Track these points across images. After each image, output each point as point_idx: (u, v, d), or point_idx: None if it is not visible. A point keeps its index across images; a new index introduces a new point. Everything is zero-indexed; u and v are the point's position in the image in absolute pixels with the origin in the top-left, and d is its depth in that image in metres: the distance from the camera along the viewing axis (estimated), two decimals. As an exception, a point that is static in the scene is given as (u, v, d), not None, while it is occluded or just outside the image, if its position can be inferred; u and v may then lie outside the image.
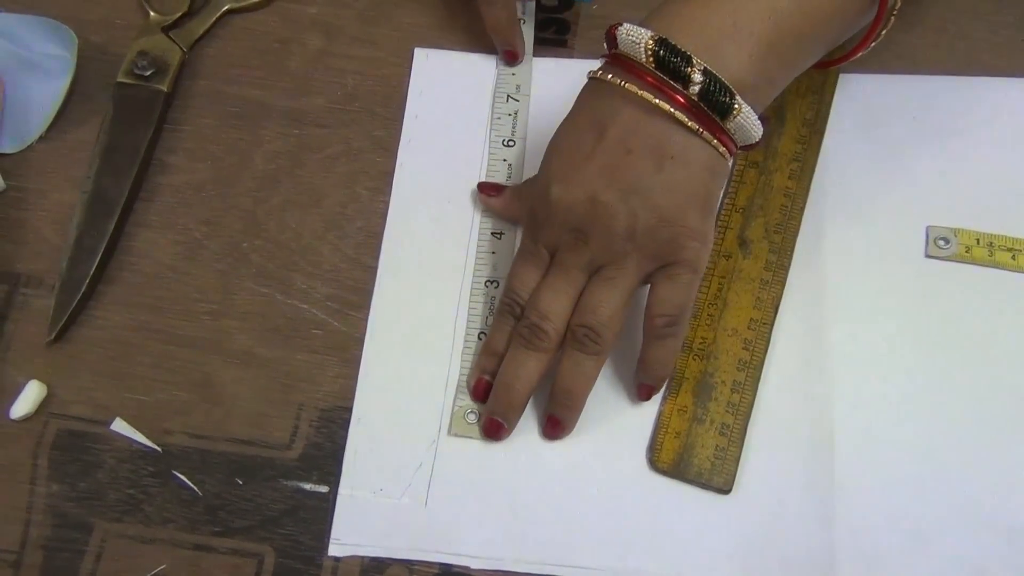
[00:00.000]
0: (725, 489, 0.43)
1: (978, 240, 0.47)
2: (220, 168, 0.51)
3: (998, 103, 0.51)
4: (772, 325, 0.45)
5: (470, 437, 0.44)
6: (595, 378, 0.43)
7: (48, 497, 0.44)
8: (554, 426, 0.44)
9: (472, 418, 0.45)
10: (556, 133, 0.43)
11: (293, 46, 0.54)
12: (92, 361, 0.46)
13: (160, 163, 0.51)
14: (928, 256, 0.47)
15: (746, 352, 0.45)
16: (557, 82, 0.50)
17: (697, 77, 0.38)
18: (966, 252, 0.47)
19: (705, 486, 0.43)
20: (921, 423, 0.44)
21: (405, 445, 0.45)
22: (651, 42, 0.38)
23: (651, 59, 0.38)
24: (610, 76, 0.40)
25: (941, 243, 0.47)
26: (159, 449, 0.45)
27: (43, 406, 0.45)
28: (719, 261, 0.47)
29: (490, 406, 0.44)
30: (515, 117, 0.51)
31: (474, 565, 0.42)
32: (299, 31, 0.54)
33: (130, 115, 0.51)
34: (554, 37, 0.53)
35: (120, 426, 0.45)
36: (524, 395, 0.43)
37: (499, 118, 0.51)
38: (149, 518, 0.43)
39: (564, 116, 0.43)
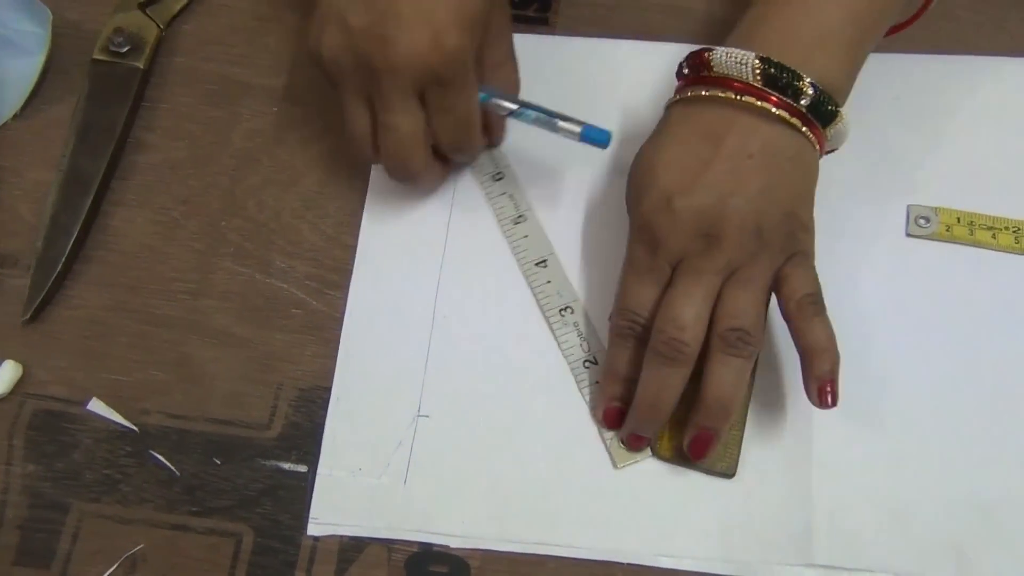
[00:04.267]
0: (729, 474, 0.44)
1: (959, 219, 0.48)
2: (198, 146, 0.52)
3: (980, 82, 0.52)
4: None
5: (636, 462, 0.44)
6: (747, 382, 0.43)
7: (24, 478, 0.44)
8: (706, 442, 0.43)
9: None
10: (650, 152, 0.44)
11: (271, 24, 0.55)
12: (68, 341, 0.47)
13: (137, 141, 0.52)
14: (909, 235, 0.48)
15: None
16: (541, 60, 0.51)
17: (808, 90, 0.42)
18: (947, 231, 0.48)
19: (709, 472, 0.44)
20: (899, 400, 0.45)
21: (384, 425, 0.45)
22: (757, 62, 0.41)
23: (759, 77, 0.42)
24: (720, 92, 0.42)
25: (922, 222, 0.48)
26: (136, 429, 0.45)
27: (18, 386, 0.46)
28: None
29: (633, 425, 0.44)
30: None
31: (454, 544, 0.43)
32: (277, 8, 0.55)
33: (106, 92, 0.52)
34: (536, 15, 0.54)
35: (97, 406, 0.45)
36: (669, 411, 0.43)
37: None
38: (126, 498, 0.44)
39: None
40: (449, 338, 0.47)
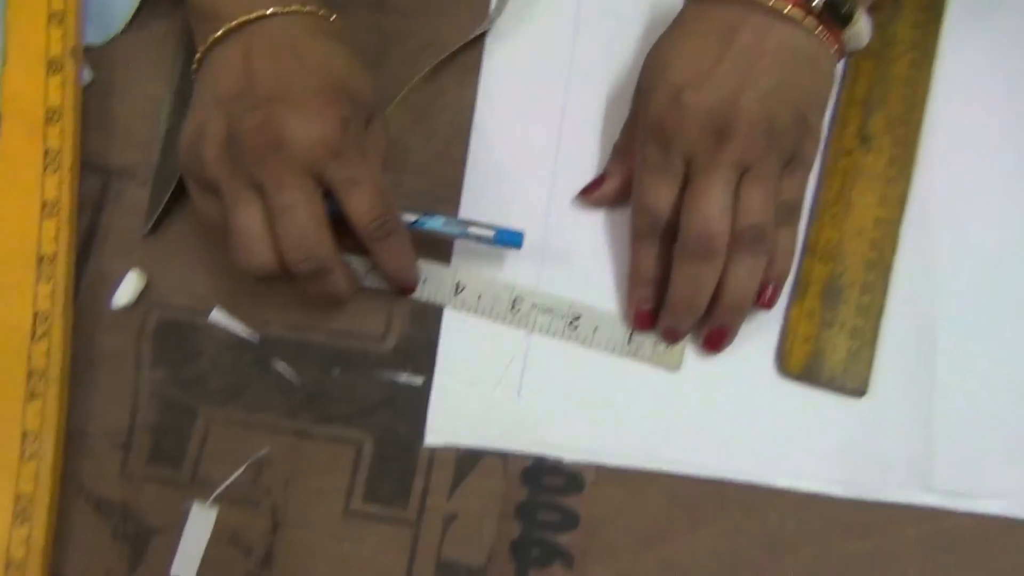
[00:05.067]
0: (859, 392, 0.44)
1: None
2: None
3: None
4: (900, 223, 0.45)
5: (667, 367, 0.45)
6: (759, 279, 0.43)
7: (153, 383, 0.46)
8: (721, 337, 0.44)
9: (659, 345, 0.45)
10: (662, 47, 0.44)
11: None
12: (189, 251, 0.48)
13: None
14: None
15: (874, 252, 0.45)
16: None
17: None
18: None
19: (838, 390, 0.44)
20: (1029, 325, 0.45)
21: (499, 338, 0.46)
22: None
23: None
24: None
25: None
26: (257, 339, 0.47)
27: (143, 296, 0.47)
28: (839, 159, 0.46)
29: (670, 323, 0.44)
30: None
31: (567, 456, 0.44)
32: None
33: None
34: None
35: (219, 316, 0.47)
36: (704, 306, 0.43)
37: None
38: (250, 405, 0.46)
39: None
40: (558, 257, 0.47)
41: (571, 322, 0.46)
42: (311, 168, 0.40)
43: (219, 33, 0.43)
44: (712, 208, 0.41)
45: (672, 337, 0.45)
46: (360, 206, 0.41)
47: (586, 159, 0.48)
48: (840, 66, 0.46)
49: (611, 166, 0.47)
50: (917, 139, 0.46)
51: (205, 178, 0.41)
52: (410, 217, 0.44)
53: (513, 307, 0.46)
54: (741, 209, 0.42)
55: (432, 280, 0.47)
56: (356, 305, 0.47)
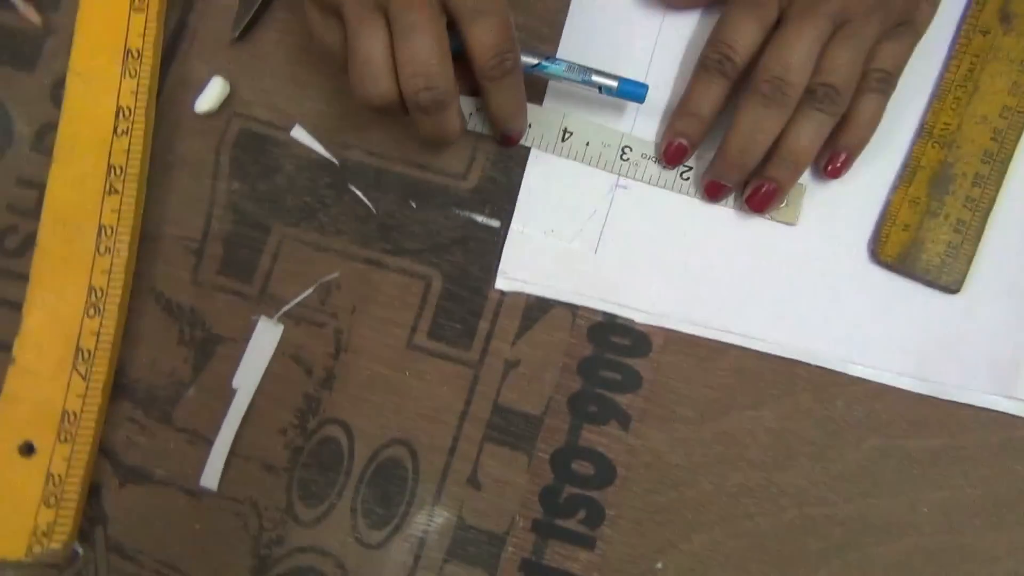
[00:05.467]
0: (953, 288, 0.42)
1: None
2: None
3: None
4: (1026, 113, 0.42)
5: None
6: (822, 141, 0.41)
7: (229, 194, 0.46)
8: (769, 194, 0.42)
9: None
10: None
11: None
12: (275, 64, 0.47)
13: None
14: None
15: (994, 143, 0.42)
16: None
17: None
18: None
19: (932, 284, 0.42)
20: None
21: (581, 190, 0.45)
22: None
23: None
24: None
25: None
26: (336, 162, 0.46)
27: (226, 104, 0.47)
28: (972, 37, 0.43)
29: (718, 172, 0.43)
30: None
31: (638, 319, 0.44)
32: None
33: None
34: None
35: (299, 133, 0.46)
36: (758, 158, 0.41)
37: None
38: (324, 227, 0.45)
39: None
40: (656, 111, 0.45)
41: (682, 173, 0.44)
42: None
43: None
44: (796, 56, 0.39)
45: (714, 192, 0.43)
46: (484, 38, 0.39)
47: (695, 15, 0.45)
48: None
49: None
50: (1065, 24, 0.42)
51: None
52: (531, 60, 0.42)
53: (623, 155, 0.44)
54: (823, 65, 0.39)
55: (537, 125, 0.45)
56: None
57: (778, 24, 0.40)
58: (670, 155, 0.43)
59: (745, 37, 0.41)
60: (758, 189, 0.42)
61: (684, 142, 0.43)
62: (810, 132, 0.40)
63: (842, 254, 0.43)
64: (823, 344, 0.43)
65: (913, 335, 0.42)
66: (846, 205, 0.43)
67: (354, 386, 0.44)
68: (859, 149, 0.42)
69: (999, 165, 0.42)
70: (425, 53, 0.38)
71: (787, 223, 0.43)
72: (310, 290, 0.45)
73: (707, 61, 0.42)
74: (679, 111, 0.43)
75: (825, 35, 0.39)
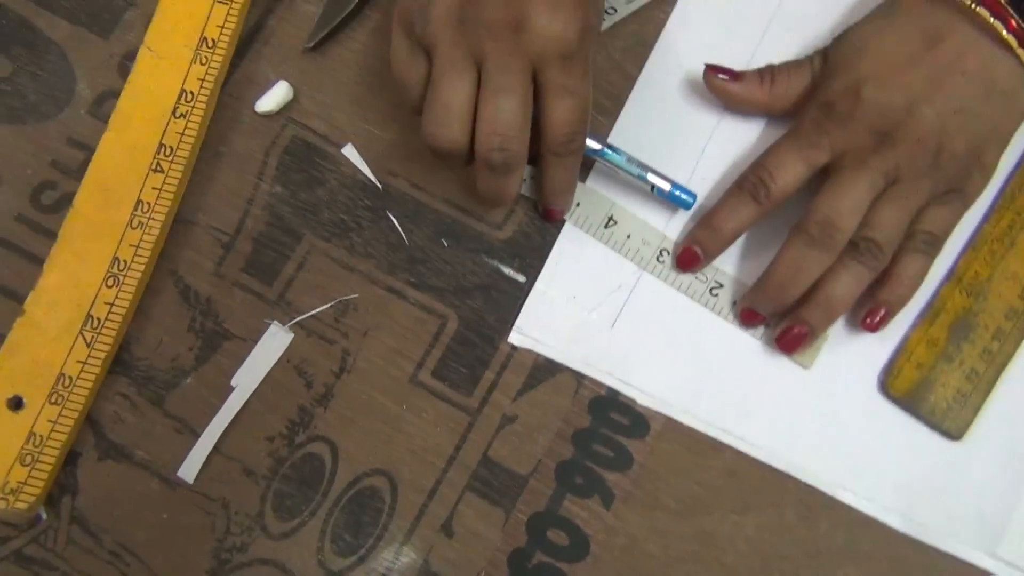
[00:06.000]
0: (955, 435, 0.42)
1: None
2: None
3: None
4: (1058, 276, 0.43)
5: (801, 364, 0.43)
6: (856, 295, 0.41)
7: (270, 196, 0.47)
8: (800, 336, 0.42)
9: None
10: (864, 32, 0.42)
11: None
12: (341, 81, 0.48)
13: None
14: None
15: (1021, 302, 0.43)
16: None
17: None
18: None
19: (935, 427, 0.43)
20: None
21: (611, 264, 0.45)
22: None
23: None
24: None
25: None
26: (380, 186, 0.46)
27: (285, 109, 0.47)
28: (1018, 195, 0.44)
29: (755, 301, 0.43)
30: None
31: (641, 400, 0.44)
32: None
33: None
34: None
35: (351, 152, 0.47)
36: (796, 296, 0.42)
37: None
38: (354, 247, 0.46)
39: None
40: (695, 214, 0.45)
41: (712, 289, 0.44)
42: (538, 60, 0.38)
43: None
44: (846, 204, 0.40)
45: (748, 319, 0.43)
46: (564, 115, 0.39)
47: (752, 125, 0.46)
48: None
49: (755, 75, 0.44)
50: (1110, 203, 0.43)
51: (423, 36, 0.39)
52: (594, 145, 0.43)
53: (659, 257, 0.45)
54: (869, 219, 0.40)
55: (585, 206, 0.45)
56: None
57: (826, 171, 0.41)
58: (683, 260, 0.44)
59: (788, 171, 0.41)
60: (789, 330, 0.42)
61: (699, 252, 0.44)
62: (848, 282, 0.41)
63: (851, 379, 0.44)
64: (818, 463, 0.43)
65: (908, 473, 0.43)
66: (863, 332, 0.43)
67: (350, 408, 0.44)
68: (899, 306, 0.42)
69: (1022, 324, 0.42)
70: (510, 116, 0.38)
71: (802, 365, 0.44)
72: (327, 305, 0.45)
73: (744, 182, 0.42)
74: (703, 221, 0.44)
75: (876, 190, 0.40)
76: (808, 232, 0.40)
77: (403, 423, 0.44)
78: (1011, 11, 0.38)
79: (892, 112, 0.39)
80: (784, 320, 0.43)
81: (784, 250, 0.41)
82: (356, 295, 0.45)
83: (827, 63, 0.42)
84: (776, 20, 0.47)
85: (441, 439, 0.44)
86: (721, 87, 0.44)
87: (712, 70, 0.44)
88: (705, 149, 0.46)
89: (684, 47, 0.47)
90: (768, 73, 0.44)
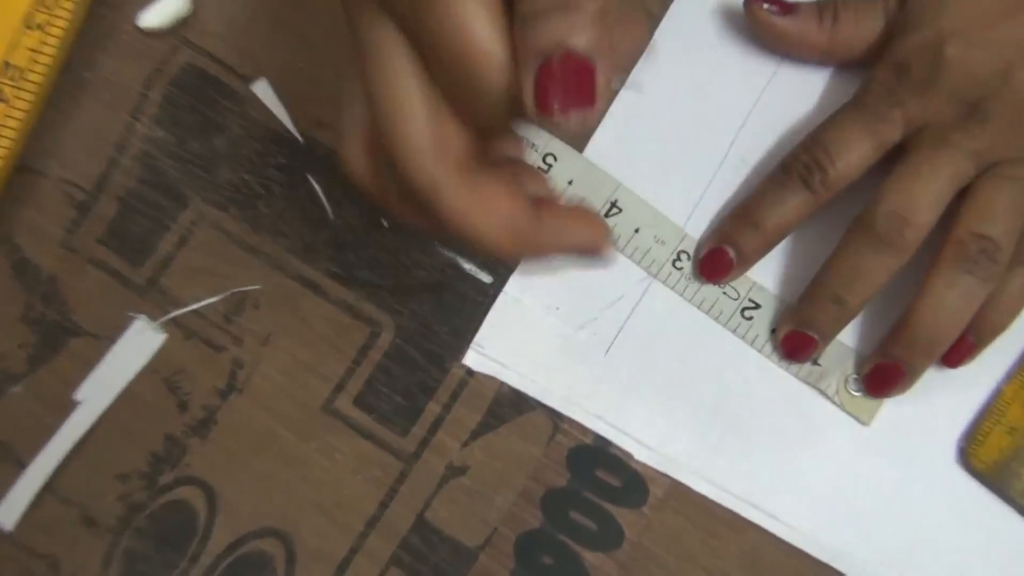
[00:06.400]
0: None
1: None
2: None
3: None
4: None
5: (859, 419, 0.33)
6: (973, 313, 0.32)
7: (147, 142, 0.35)
8: (894, 377, 0.33)
9: (855, 387, 0.34)
10: None
11: None
12: (257, -4, 0.37)
13: None
14: None
15: None
16: None
17: None
18: None
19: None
20: None
21: (611, 266, 0.34)
22: None
23: None
24: None
25: None
26: (301, 140, 0.35)
27: (180, 26, 0.36)
28: None
29: (805, 318, 0.33)
30: None
31: (639, 454, 0.33)
32: None
33: None
34: None
35: (263, 90, 0.35)
36: (858, 310, 0.33)
37: None
38: (259, 220, 0.35)
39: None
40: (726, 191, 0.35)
41: (745, 310, 0.34)
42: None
43: None
44: (922, 192, 0.32)
45: (792, 350, 0.33)
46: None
47: (814, 79, 0.35)
48: None
49: (813, 9, 0.35)
50: None
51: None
52: None
53: (676, 261, 0.34)
54: (973, 209, 0.32)
55: (580, 184, 0.34)
56: None
57: (899, 152, 0.33)
58: (709, 266, 0.33)
59: (850, 149, 0.33)
60: (877, 369, 0.33)
61: (732, 255, 0.33)
62: (953, 301, 0.31)
63: (920, 445, 0.33)
64: (871, 552, 0.32)
65: (990, 571, 0.32)
66: (939, 382, 0.33)
67: (237, 441, 0.33)
68: (992, 335, 0.33)
69: None
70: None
71: (859, 420, 0.33)
72: (217, 298, 0.34)
73: (793, 163, 0.33)
74: (738, 213, 0.33)
75: (963, 175, 0.32)
76: (871, 227, 0.31)
77: (309, 467, 0.33)
78: None
79: (983, 76, 0.32)
80: (874, 355, 0.33)
81: (839, 250, 0.32)
82: (257, 286, 0.34)
83: (905, 6, 0.34)
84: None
85: (361, 492, 0.33)
86: (767, 21, 0.34)
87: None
88: (750, 116, 0.35)
89: (676, 68, 0.35)
90: (831, 8, 0.34)
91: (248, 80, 0.35)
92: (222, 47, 0.36)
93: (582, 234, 0.26)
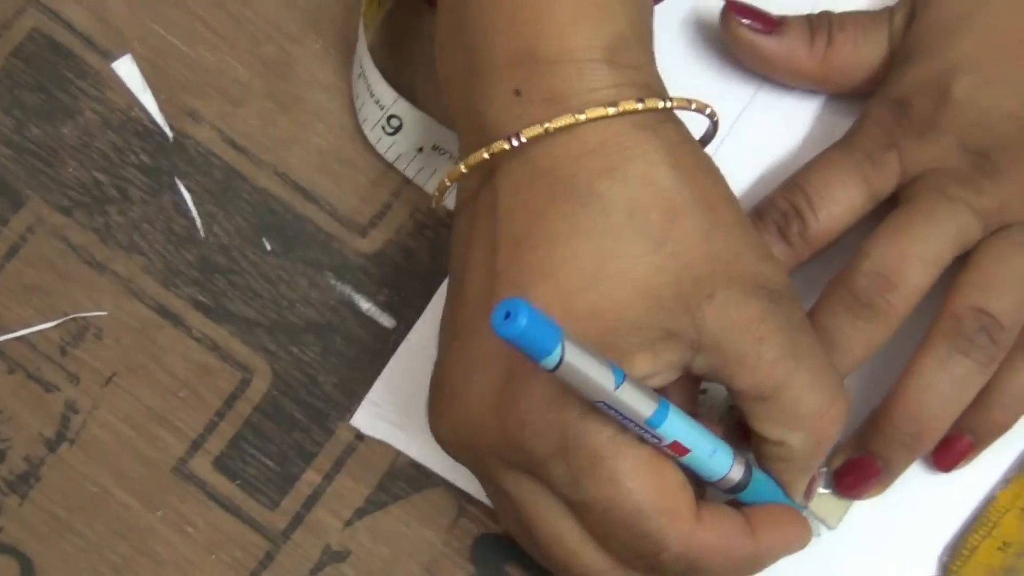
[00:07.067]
0: None
1: None
2: None
3: None
4: None
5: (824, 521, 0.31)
6: (967, 404, 0.29)
7: (-18, 125, 0.31)
8: (867, 472, 0.30)
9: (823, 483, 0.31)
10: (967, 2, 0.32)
11: None
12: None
13: None
14: None
15: None
16: None
17: None
18: None
19: None
20: None
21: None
22: None
23: None
24: None
25: None
26: (170, 134, 0.31)
27: (29, -12, 0.32)
28: None
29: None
30: None
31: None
32: None
33: None
34: None
35: (127, 69, 0.31)
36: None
37: None
38: (111, 230, 0.31)
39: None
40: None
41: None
42: None
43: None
44: (915, 250, 0.29)
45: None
46: None
47: (806, 106, 0.32)
48: None
49: (804, 25, 0.31)
50: None
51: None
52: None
53: None
54: (976, 279, 0.29)
55: None
56: (349, 162, 0.31)
57: (893, 203, 0.31)
58: None
59: (837, 196, 0.30)
60: (851, 464, 0.30)
61: None
62: (944, 386, 0.29)
63: (898, 554, 0.30)
64: None
65: None
66: (921, 483, 0.30)
67: (64, 505, 0.30)
68: (993, 437, 0.30)
69: None
70: None
71: (824, 524, 0.30)
72: (51, 324, 0.30)
73: (767, 208, 0.30)
74: None
75: (967, 234, 0.29)
76: (851, 288, 0.29)
77: (153, 542, 0.29)
78: None
79: (995, 123, 0.30)
80: (848, 446, 0.30)
81: (811, 315, 0.29)
82: (103, 312, 0.31)
83: (910, 30, 0.31)
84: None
85: None
86: (747, 40, 0.31)
87: (734, 9, 0.31)
88: (721, 145, 0.31)
89: None
90: (825, 25, 0.31)
91: (109, 56, 0.32)
92: (80, 14, 0.32)
93: (794, 537, 0.27)
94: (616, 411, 0.23)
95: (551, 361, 0.21)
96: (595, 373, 0.21)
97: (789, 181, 0.31)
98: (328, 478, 0.30)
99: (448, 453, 0.27)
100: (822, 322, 0.30)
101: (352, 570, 0.30)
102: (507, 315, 0.20)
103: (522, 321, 0.20)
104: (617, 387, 0.22)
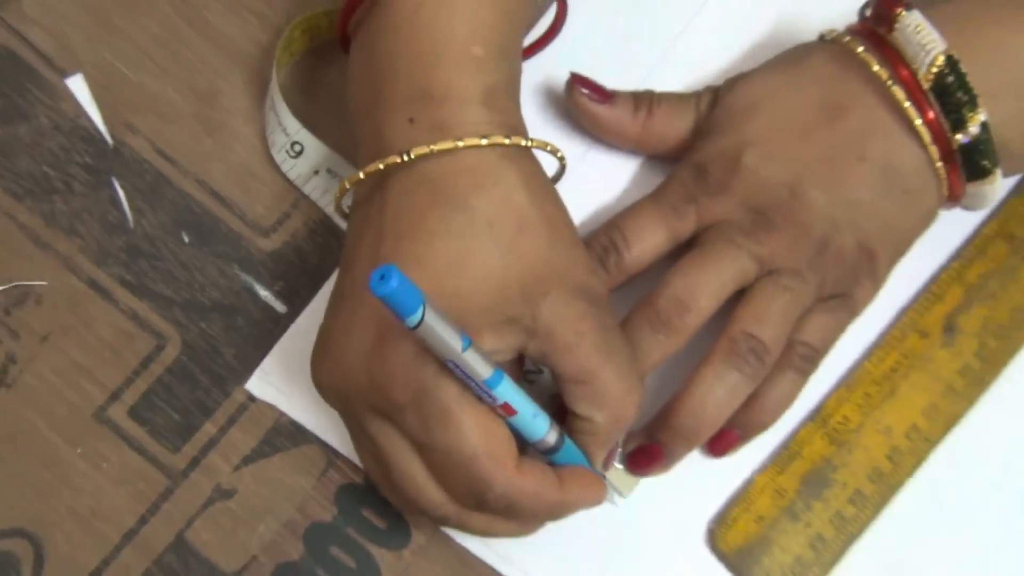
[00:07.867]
0: None
1: None
2: None
3: None
4: (935, 446, 0.36)
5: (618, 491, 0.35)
6: (734, 408, 0.33)
7: (-55, 117, 0.34)
8: (652, 457, 0.34)
9: (618, 459, 0.35)
10: (757, 87, 0.35)
11: None
12: (91, -14, 0.36)
13: None
14: None
15: (889, 463, 0.35)
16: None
17: (973, 129, 0.32)
18: None
19: None
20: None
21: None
22: (941, 59, 0.32)
23: (930, 77, 0.32)
24: (874, 63, 0.33)
25: None
26: (110, 141, 0.35)
27: (-1, 4, 0.35)
28: (908, 334, 0.36)
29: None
30: None
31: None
32: None
33: None
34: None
35: (78, 85, 0.35)
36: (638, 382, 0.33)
37: None
38: (55, 217, 0.34)
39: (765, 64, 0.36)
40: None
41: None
42: None
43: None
44: (705, 283, 0.33)
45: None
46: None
47: (626, 164, 0.37)
48: (963, 233, 0.37)
49: (630, 100, 0.36)
50: (1006, 362, 0.37)
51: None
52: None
53: None
54: (749, 311, 0.33)
55: None
56: (257, 174, 0.35)
57: (692, 247, 0.34)
58: None
59: (645, 237, 0.34)
60: (639, 450, 0.34)
61: None
62: (718, 394, 0.32)
63: (673, 522, 0.35)
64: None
65: None
66: (697, 465, 0.35)
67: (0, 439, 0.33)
68: (755, 432, 0.34)
69: (884, 491, 0.35)
70: None
71: (618, 492, 0.35)
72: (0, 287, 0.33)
73: (591, 242, 0.34)
74: None
75: (744, 274, 0.33)
76: (654, 307, 0.33)
77: (72, 472, 0.33)
78: (932, 100, 0.32)
79: (773, 188, 0.33)
80: (637, 436, 0.34)
81: (623, 327, 0.33)
82: (44, 282, 0.34)
83: (713, 112, 0.35)
84: (664, 63, 0.38)
85: (122, 504, 0.33)
86: (584, 106, 0.35)
87: (577, 81, 0.35)
88: (563, 183, 0.35)
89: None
90: (646, 100, 0.36)
91: (64, 74, 0.35)
92: (41, 36, 0.35)
93: (593, 494, 0.31)
94: (462, 370, 0.26)
95: (414, 320, 0.24)
96: (447, 335, 0.25)
97: (609, 222, 0.35)
98: (223, 430, 0.34)
99: (324, 398, 0.31)
100: (630, 332, 0.33)
101: (236, 506, 0.33)
102: (382, 277, 0.23)
103: (393, 283, 0.23)
104: (464, 350, 0.26)
